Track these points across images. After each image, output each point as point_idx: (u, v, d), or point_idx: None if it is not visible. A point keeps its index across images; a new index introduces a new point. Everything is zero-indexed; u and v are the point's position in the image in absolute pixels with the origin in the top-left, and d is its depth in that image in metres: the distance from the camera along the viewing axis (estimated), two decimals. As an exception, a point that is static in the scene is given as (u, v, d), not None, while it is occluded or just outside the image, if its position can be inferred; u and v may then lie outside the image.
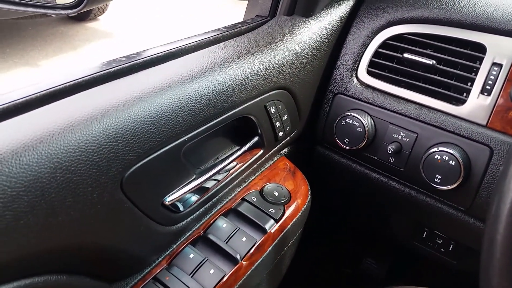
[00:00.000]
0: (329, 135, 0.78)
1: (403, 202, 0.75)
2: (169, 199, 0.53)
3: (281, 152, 0.78)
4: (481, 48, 0.68)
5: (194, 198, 0.59)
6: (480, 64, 0.67)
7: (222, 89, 0.58)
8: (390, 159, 0.72)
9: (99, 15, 4.81)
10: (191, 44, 0.65)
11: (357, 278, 1.19)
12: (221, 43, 0.68)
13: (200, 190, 0.59)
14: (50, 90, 0.48)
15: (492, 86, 0.66)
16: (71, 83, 0.50)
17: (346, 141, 0.75)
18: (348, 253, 1.23)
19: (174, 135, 0.51)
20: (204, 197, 0.60)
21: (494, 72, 0.66)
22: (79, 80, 0.50)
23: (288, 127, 0.73)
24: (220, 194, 0.63)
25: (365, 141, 0.73)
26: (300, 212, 0.66)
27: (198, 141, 0.57)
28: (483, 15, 0.69)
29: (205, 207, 0.61)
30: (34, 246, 0.40)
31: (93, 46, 4.25)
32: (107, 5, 4.68)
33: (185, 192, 0.55)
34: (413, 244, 0.86)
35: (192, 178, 0.57)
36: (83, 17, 4.65)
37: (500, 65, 0.66)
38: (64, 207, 0.41)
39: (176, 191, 0.55)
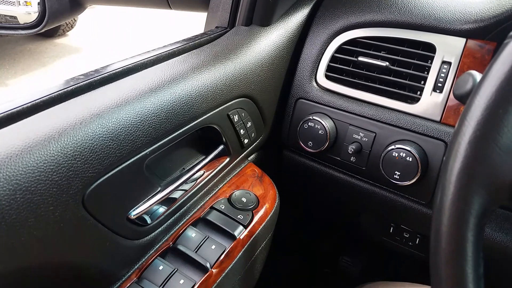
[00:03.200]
0: (294, 139, 0.80)
1: (368, 199, 0.78)
2: (134, 213, 0.54)
3: (249, 158, 0.79)
4: (431, 48, 0.71)
5: (161, 209, 0.59)
6: (431, 63, 0.71)
7: (182, 100, 0.59)
8: (352, 158, 0.75)
9: (68, 31, 4.74)
10: (150, 58, 0.65)
11: (336, 277, 1.22)
12: (181, 56, 0.69)
13: (167, 201, 0.60)
14: (7, 112, 0.48)
15: (443, 84, 0.69)
16: (29, 104, 0.50)
17: (310, 144, 0.77)
18: (325, 253, 1.25)
19: (135, 149, 0.52)
20: (172, 208, 0.61)
21: (444, 70, 0.69)
22: (37, 101, 0.50)
23: (253, 134, 0.75)
24: (188, 204, 0.64)
25: (327, 143, 0.75)
26: (269, 216, 0.68)
27: (161, 153, 0.57)
28: (431, 16, 0.72)
29: (173, 218, 0.62)
30: None
31: (62, 62, 4.19)
32: (75, 20, 4.62)
33: (151, 205, 0.56)
34: (382, 240, 0.89)
35: (158, 190, 0.58)
36: (51, 34, 4.58)
37: (449, 63, 0.69)
38: (26, 227, 0.41)
39: (142, 205, 0.55)
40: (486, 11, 0.69)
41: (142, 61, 0.64)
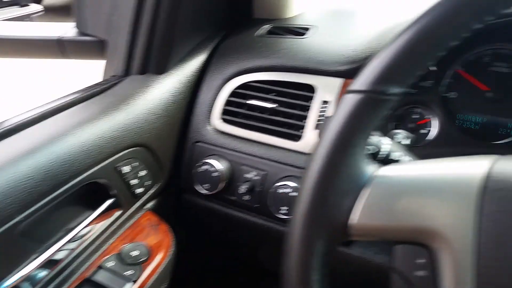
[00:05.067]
0: (191, 183, 0.81)
1: (265, 235, 0.80)
2: (8, 283, 0.52)
3: (145, 207, 0.78)
4: (312, 88, 0.77)
5: (42, 274, 0.58)
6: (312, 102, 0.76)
7: (61, 159, 0.58)
8: (246, 197, 0.78)
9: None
10: (32, 116, 0.65)
11: None
12: (68, 110, 0.69)
13: (49, 264, 0.58)
14: None
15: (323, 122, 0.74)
16: None
17: (206, 186, 0.79)
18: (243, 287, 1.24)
19: (5, 218, 0.51)
20: (54, 271, 0.59)
21: (324, 109, 0.75)
22: None
23: (149, 182, 0.75)
24: (73, 265, 0.62)
25: (221, 184, 0.77)
26: (162, 267, 0.67)
27: (39, 216, 0.56)
28: (313, 60, 0.78)
29: (55, 282, 0.59)
30: None
31: None
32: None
33: (28, 272, 0.54)
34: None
35: (37, 255, 0.56)
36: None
37: (329, 102, 0.75)
38: None
39: (17, 273, 0.53)
40: (359, 53, 0.76)
41: (23, 120, 0.63)
